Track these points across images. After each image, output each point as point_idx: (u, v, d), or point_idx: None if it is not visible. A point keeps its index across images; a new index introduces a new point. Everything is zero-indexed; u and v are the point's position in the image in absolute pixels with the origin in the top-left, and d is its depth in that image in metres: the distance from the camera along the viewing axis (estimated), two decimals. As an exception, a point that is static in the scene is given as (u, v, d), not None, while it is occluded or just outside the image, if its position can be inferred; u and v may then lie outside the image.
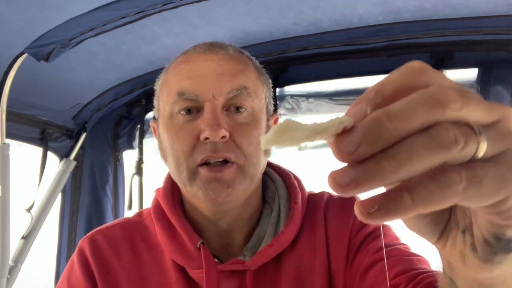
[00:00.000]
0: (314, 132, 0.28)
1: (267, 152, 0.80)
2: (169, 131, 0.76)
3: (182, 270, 0.77)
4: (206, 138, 0.71)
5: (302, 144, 0.31)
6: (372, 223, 0.28)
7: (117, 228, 0.84)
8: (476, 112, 0.28)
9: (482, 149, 0.28)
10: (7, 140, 1.23)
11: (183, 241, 0.77)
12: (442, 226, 0.36)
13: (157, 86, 0.83)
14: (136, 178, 1.65)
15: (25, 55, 1.06)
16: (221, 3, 1.01)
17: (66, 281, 0.81)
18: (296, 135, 0.28)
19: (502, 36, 1.08)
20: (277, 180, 0.86)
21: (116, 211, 1.71)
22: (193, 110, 0.74)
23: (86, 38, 1.06)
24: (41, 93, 1.34)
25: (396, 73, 0.29)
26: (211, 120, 0.70)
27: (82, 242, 0.83)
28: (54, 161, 1.56)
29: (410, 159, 0.26)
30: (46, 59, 1.07)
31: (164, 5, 0.94)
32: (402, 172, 0.27)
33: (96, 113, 1.57)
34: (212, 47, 0.78)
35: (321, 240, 0.79)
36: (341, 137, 0.28)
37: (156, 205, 0.83)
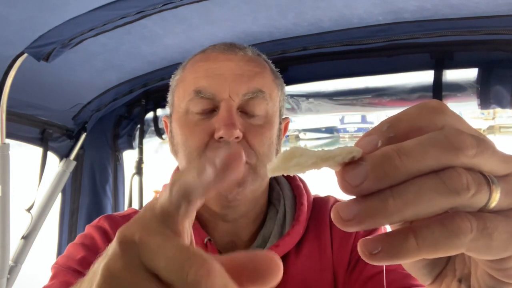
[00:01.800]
0: (320, 159, 0.28)
1: (278, 154, 0.80)
2: (183, 127, 0.76)
3: None
4: (221, 137, 0.71)
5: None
6: (374, 264, 0.27)
7: (134, 215, 0.85)
8: (491, 161, 0.27)
9: (495, 199, 0.27)
10: (7, 140, 1.23)
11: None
12: (438, 270, 0.35)
13: (172, 82, 0.84)
14: (136, 178, 1.65)
15: (25, 55, 1.06)
16: (221, 3, 1.01)
17: (79, 246, 0.79)
18: (302, 162, 0.28)
19: (502, 36, 1.08)
20: (283, 182, 0.86)
21: (116, 211, 1.71)
22: (208, 110, 0.75)
23: (86, 38, 1.06)
24: (41, 93, 1.34)
25: (413, 109, 0.28)
26: (226, 120, 0.71)
27: (98, 220, 0.83)
28: (54, 161, 1.56)
29: (417, 200, 0.25)
30: (46, 59, 1.07)
31: (164, 5, 0.94)
32: (407, 213, 0.26)
33: (96, 113, 1.57)
34: (232, 47, 0.79)
35: (326, 244, 0.79)
36: (347, 168, 0.27)
37: None
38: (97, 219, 0.84)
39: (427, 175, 0.26)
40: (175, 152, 0.81)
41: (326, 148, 0.29)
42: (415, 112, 0.28)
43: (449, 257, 0.35)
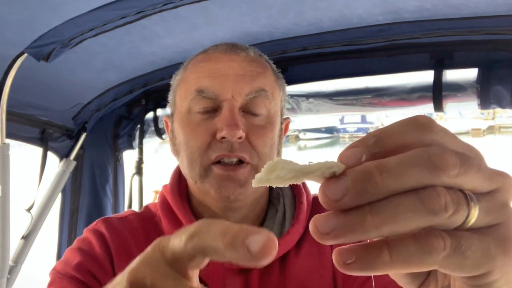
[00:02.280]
0: (301, 173, 0.28)
1: (279, 154, 0.81)
2: (185, 127, 0.76)
3: None
4: (223, 138, 0.71)
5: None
6: (347, 273, 0.27)
7: (132, 217, 0.85)
8: (474, 179, 0.27)
9: (473, 218, 0.27)
10: (7, 140, 1.23)
11: None
12: (421, 279, 0.35)
13: (174, 82, 0.84)
14: (136, 178, 1.65)
15: (25, 55, 1.06)
16: (221, 3, 1.01)
17: (76, 251, 0.79)
18: (282, 175, 0.29)
19: (502, 36, 1.08)
20: None
21: (116, 211, 1.71)
22: (210, 110, 0.75)
23: (86, 38, 1.06)
24: (41, 93, 1.34)
25: (401, 124, 0.28)
26: (229, 120, 0.71)
27: (95, 223, 0.83)
28: (54, 161, 1.56)
29: (395, 218, 0.26)
30: (46, 59, 1.07)
31: (164, 5, 0.94)
32: (384, 230, 0.26)
33: (96, 113, 1.57)
34: (234, 48, 0.79)
35: None
36: (329, 182, 0.27)
37: (163, 201, 0.84)
38: (94, 222, 0.84)
39: (406, 193, 0.26)
40: (176, 152, 0.81)
41: (312, 163, 0.29)
42: (403, 128, 0.28)
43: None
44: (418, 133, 0.28)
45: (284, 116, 0.85)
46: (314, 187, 0.88)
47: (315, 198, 0.87)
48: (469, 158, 0.27)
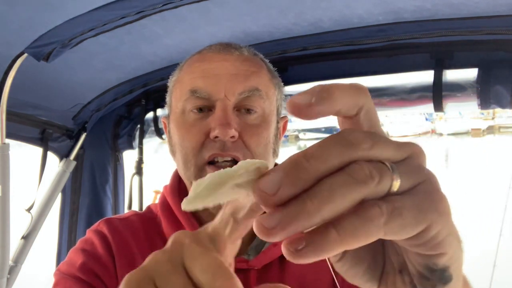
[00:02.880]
0: (225, 176, 0.30)
1: (275, 153, 0.81)
2: (179, 127, 0.77)
3: None
4: (216, 137, 0.72)
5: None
6: (301, 262, 0.28)
7: (133, 217, 0.86)
8: (386, 150, 0.30)
9: (397, 183, 0.29)
10: (7, 140, 1.23)
11: None
12: (379, 271, 0.36)
13: (170, 83, 0.84)
14: (136, 178, 1.65)
15: (25, 55, 1.06)
16: (221, 3, 1.01)
17: (80, 251, 0.79)
18: (208, 184, 0.29)
19: (502, 36, 1.08)
20: None
21: (116, 211, 1.71)
22: (205, 108, 0.75)
23: (86, 38, 1.06)
24: (41, 93, 1.34)
25: (344, 84, 0.31)
26: (221, 119, 0.72)
27: (97, 224, 0.83)
28: (54, 161, 1.56)
29: (331, 196, 0.27)
30: (46, 59, 1.07)
31: (164, 5, 0.94)
32: (325, 210, 0.27)
33: (96, 113, 1.57)
34: (228, 47, 0.79)
35: None
36: (262, 179, 0.28)
37: (164, 202, 0.84)
38: (97, 223, 0.84)
39: (335, 173, 0.28)
40: (173, 152, 0.81)
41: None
42: (346, 85, 0.31)
43: (383, 255, 0.37)
44: (356, 92, 0.31)
45: (282, 115, 0.85)
46: None
47: None
48: (376, 133, 0.30)
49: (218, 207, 0.77)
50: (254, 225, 0.29)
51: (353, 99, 0.31)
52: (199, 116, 0.75)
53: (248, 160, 0.30)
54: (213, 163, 0.74)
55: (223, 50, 0.78)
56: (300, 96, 0.29)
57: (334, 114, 0.31)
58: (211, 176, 0.30)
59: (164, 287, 0.31)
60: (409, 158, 0.31)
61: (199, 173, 0.74)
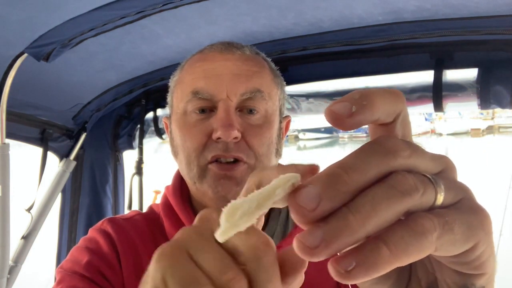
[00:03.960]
0: (262, 199, 0.28)
1: (278, 153, 0.80)
2: (181, 128, 0.76)
3: None
4: (218, 138, 0.71)
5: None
6: (350, 282, 0.26)
7: (138, 217, 0.85)
8: (424, 160, 0.28)
9: (441, 196, 0.28)
10: (7, 140, 1.23)
11: None
12: (403, 287, 0.35)
13: (171, 83, 0.84)
14: (136, 178, 1.65)
15: (25, 55, 1.06)
16: (221, 3, 1.01)
17: (84, 249, 0.78)
18: (246, 209, 0.28)
19: (502, 36, 1.08)
20: None
21: (116, 211, 1.71)
22: (207, 109, 0.75)
23: (86, 38, 1.06)
24: (41, 93, 1.34)
25: (380, 90, 0.29)
26: (224, 120, 0.71)
27: (101, 222, 0.82)
28: (54, 161, 1.56)
29: (375, 210, 0.26)
30: (46, 59, 1.07)
31: (164, 5, 0.94)
32: (369, 225, 0.26)
33: (96, 113, 1.57)
34: (229, 47, 0.78)
35: None
36: (298, 193, 0.26)
37: (166, 202, 0.84)
38: (100, 222, 0.84)
39: (375, 185, 0.26)
40: (175, 153, 0.80)
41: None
42: (382, 91, 0.29)
43: (411, 271, 0.35)
44: (394, 98, 0.30)
45: (284, 115, 0.84)
46: None
47: None
48: (412, 142, 0.29)
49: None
50: (294, 243, 0.27)
51: (392, 106, 0.29)
52: (201, 117, 0.75)
53: (281, 177, 0.28)
54: (215, 161, 0.73)
55: (225, 49, 0.77)
56: (339, 105, 0.27)
57: (373, 123, 0.29)
58: (245, 201, 0.28)
59: (199, 255, 0.29)
60: (444, 171, 0.29)
61: (202, 173, 0.73)
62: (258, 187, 0.31)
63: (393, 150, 0.27)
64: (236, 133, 0.71)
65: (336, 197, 0.26)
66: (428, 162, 0.29)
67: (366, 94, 0.28)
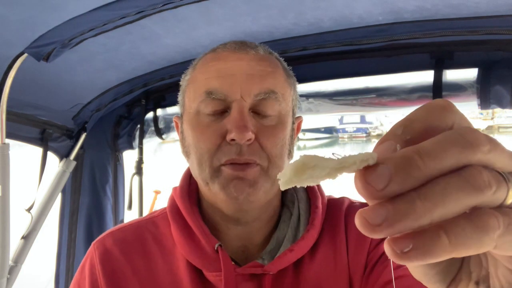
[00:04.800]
0: (334, 169, 0.28)
1: (290, 155, 0.79)
2: (194, 129, 0.75)
3: (196, 271, 0.76)
4: (232, 140, 0.70)
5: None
6: (403, 263, 0.26)
7: (128, 229, 0.84)
8: (502, 157, 0.28)
9: (511, 195, 0.28)
10: (7, 140, 1.23)
11: (200, 242, 0.77)
12: (452, 276, 0.34)
13: (183, 82, 0.82)
14: (136, 178, 1.65)
15: (25, 55, 1.06)
16: (221, 3, 1.01)
17: (76, 284, 0.81)
18: (315, 174, 0.28)
19: (502, 36, 1.08)
20: None
21: (116, 211, 1.71)
22: (220, 110, 0.74)
23: (86, 38, 1.06)
24: (41, 93, 1.34)
25: (422, 110, 0.29)
26: (238, 122, 0.70)
27: (92, 246, 0.83)
28: (54, 161, 1.56)
29: (444, 200, 0.26)
30: (46, 59, 1.07)
31: (164, 5, 0.94)
32: (435, 213, 0.26)
33: (96, 113, 1.57)
34: (243, 46, 0.77)
35: (342, 246, 0.78)
36: (369, 172, 0.27)
37: (172, 205, 0.83)
38: (95, 242, 0.84)
39: (448, 174, 0.26)
40: (186, 153, 0.79)
41: (338, 154, 0.28)
42: (425, 112, 0.29)
43: (463, 261, 0.35)
44: (441, 115, 0.29)
45: (297, 115, 0.83)
46: (328, 188, 0.87)
47: (330, 200, 0.85)
48: (492, 138, 0.28)
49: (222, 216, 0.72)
50: (356, 218, 0.27)
51: (443, 124, 0.28)
52: (214, 117, 0.73)
53: (360, 154, 0.27)
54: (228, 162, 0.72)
55: (239, 49, 0.76)
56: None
57: None
58: (318, 164, 0.28)
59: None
60: None
61: (215, 173, 0.72)
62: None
63: (474, 144, 0.27)
64: (250, 135, 0.70)
65: (406, 180, 0.26)
66: (506, 160, 0.28)
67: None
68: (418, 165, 0.26)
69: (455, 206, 0.26)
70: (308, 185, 0.28)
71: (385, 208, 0.26)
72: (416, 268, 0.34)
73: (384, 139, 0.29)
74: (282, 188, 0.29)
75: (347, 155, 0.28)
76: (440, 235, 0.26)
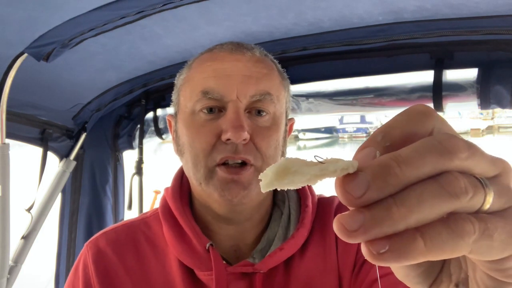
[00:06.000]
0: (314, 176, 0.28)
1: (283, 155, 0.80)
2: (189, 128, 0.76)
3: (188, 271, 0.77)
4: (228, 139, 0.71)
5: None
6: (380, 264, 0.27)
7: (121, 229, 0.85)
8: (481, 163, 0.28)
9: (489, 201, 0.28)
10: (7, 140, 1.23)
11: (192, 242, 0.77)
12: (433, 277, 0.35)
13: (178, 81, 0.83)
14: (136, 178, 1.65)
15: (25, 55, 1.06)
16: (221, 3, 1.01)
17: (71, 285, 0.82)
18: (296, 179, 0.28)
19: (502, 36, 1.08)
20: None
21: (116, 211, 1.71)
22: (215, 109, 0.74)
23: (86, 38, 1.06)
24: (41, 93, 1.34)
25: (402, 115, 0.30)
26: (234, 122, 0.71)
27: (85, 247, 0.83)
28: (54, 161, 1.56)
29: (420, 206, 0.26)
30: (46, 59, 1.07)
31: (164, 5, 0.94)
32: (411, 219, 0.26)
33: (96, 113, 1.57)
34: (239, 47, 0.78)
35: (331, 245, 0.79)
36: (348, 179, 0.27)
37: (164, 205, 0.83)
38: (88, 242, 0.84)
39: (425, 181, 0.27)
40: (180, 152, 0.80)
41: (320, 157, 0.29)
42: (404, 119, 0.29)
43: (443, 264, 0.35)
44: (420, 121, 0.29)
45: (289, 117, 0.84)
46: (319, 187, 0.88)
47: (320, 199, 0.86)
48: (472, 143, 0.28)
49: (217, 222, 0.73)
50: (334, 223, 0.28)
51: (421, 129, 0.29)
52: (209, 117, 0.74)
53: (341, 161, 0.28)
54: (223, 164, 0.73)
55: (235, 50, 0.77)
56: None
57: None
58: (299, 170, 0.28)
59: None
60: (499, 175, 0.29)
61: (210, 174, 0.73)
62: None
63: (451, 151, 0.27)
64: (245, 135, 0.70)
65: (384, 188, 0.26)
66: (485, 165, 0.28)
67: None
68: (396, 172, 0.26)
69: (430, 212, 0.26)
70: (288, 188, 0.29)
71: (362, 215, 0.27)
72: (398, 269, 0.34)
73: (364, 146, 0.29)
74: (263, 191, 0.29)
75: (329, 158, 0.29)
76: (416, 238, 0.26)
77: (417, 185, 0.27)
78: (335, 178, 0.28)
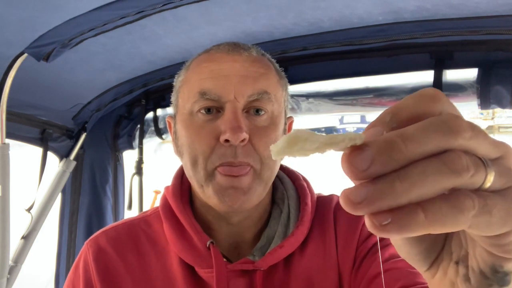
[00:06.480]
0: (324, 144, 0.29)
1: None
2: (188, 129, 0.76)
3: (189, 269, 0.77)
4: (226, 140, 0.71)
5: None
6: (382, 236, 0.28)
7: (121, 227, 0.85)
8: (484, 144, 0.29)
9: (489, 180, 0.29)
10: (7, 140, 1.23)
11: (192, 240, 0.78)
12: (434, 255, 0.37)
13: (176, 82, 0.83)
14: (136, 178, 1.65)
15: (25, 55, 1.06)
16: (221, 3, 1.01)
17: (71, 283, 0.82)
18: (306, 146, 0.29)
19: (502, 36, 1.08)
20: (286, 181, 0.86)
21: (116, 211, 1.71)
22: (213, 109, 0.74)
23: (86, 38, 1.06)
24: (41, 93, 1.34)
25: (412, 98, 0.30)
26: (232, 122, 0.70)
27: (86, 245, 0.84)
28: (54, 161, 1.56)
29: (422, 181, 0.27)
30: (46, 59, 1.07)
31: (164, 5, 0.94)
32: (413, 193, 0.27)
33: (96, 113, 1.57)
34: (236, 48, 0.78)
35: (331, 242, 0.80)
36: (354, 153, 0.28)
37: (165, 203, 0.84)
38: (89, 240, 0.84)
39: (428, 158, 0.28)
40: (179, 153, 0.80)
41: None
42: (413, 101, 0.30)
43: (444, 242, 0.37)
44: (428, 103, 0.30)
45: (288, 116, 0.85)
46: (319, 187, 0.89)
47: (319, 198, 0.86)
48: (477, 125, 0.29)
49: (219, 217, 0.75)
50: (340, 197, 0.29)
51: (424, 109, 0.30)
52: (208, 117, 0.74)
53: (348, 133, 0.29)
54: (222, 164, 0.73)
55: (232, 50, 0.77)
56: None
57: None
58: (309, 139, 0.29)
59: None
60: (501, 158, 0.30)
61: (209, 177, 0.73)
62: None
63: (455, 130, 0.28)
64: (244, 135, 0.70)
65: (388, 163, 0.27)
66: (488, 147, 0.29)
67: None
68: (400, 148, 0.27)
69: (432, 187, 0.28)
70: (298, 156, 0.30)
71: (366, 188, 0.28)
72: (400, 246, 0.36)
73: (373, 125, 0.30)
74: (274, 158, 0.30)
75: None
76: (417, 211, 0.28)
77: (420, 162, 0.28)
78: (340, 157, 0.29)
